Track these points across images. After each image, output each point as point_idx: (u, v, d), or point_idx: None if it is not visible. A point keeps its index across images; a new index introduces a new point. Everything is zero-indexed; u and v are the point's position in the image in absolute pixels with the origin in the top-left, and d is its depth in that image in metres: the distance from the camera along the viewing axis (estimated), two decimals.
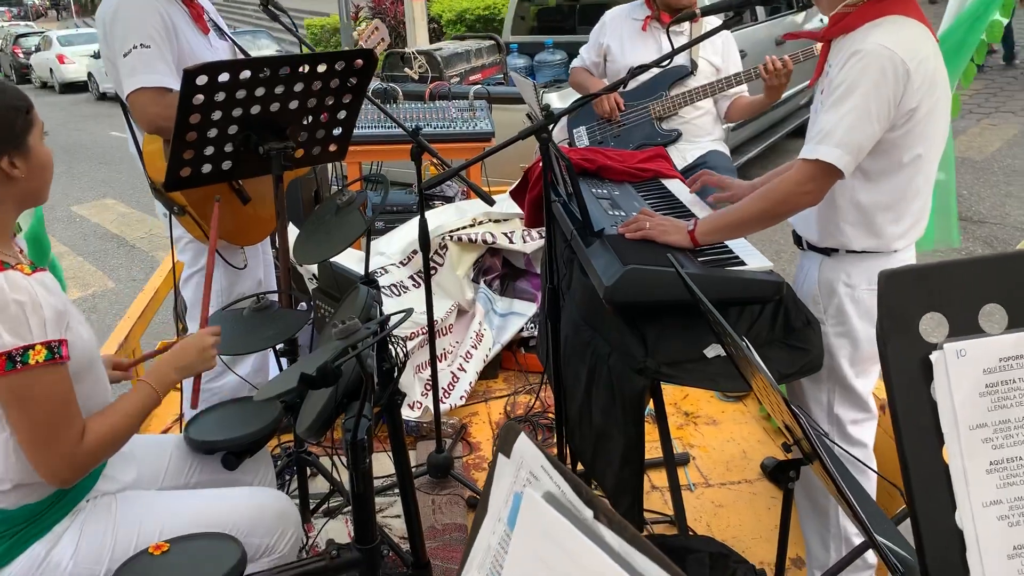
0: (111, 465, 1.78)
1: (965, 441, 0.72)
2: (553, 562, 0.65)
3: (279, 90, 2.17)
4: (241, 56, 2.69)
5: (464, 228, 3.52)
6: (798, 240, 2.07)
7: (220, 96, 2.07)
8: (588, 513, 0.64)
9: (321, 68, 2.21)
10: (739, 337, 1.36)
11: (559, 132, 3.58)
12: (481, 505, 0.75)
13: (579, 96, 2.78)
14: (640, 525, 2.19)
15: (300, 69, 2.17)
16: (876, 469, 1.99)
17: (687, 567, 2.32)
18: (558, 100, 4.91)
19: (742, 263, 1.99)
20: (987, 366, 0.72)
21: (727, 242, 2.09)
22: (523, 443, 0.72)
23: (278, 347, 2.39)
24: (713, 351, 1.97)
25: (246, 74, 2.08)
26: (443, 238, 3.49)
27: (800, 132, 7.27)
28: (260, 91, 2.14)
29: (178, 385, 2.59)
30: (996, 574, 0.70)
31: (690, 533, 2.60)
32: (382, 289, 3.34)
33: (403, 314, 1.47)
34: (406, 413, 3.15)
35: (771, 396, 1.32)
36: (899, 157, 1.81)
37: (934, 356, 0.72)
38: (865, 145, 1.76)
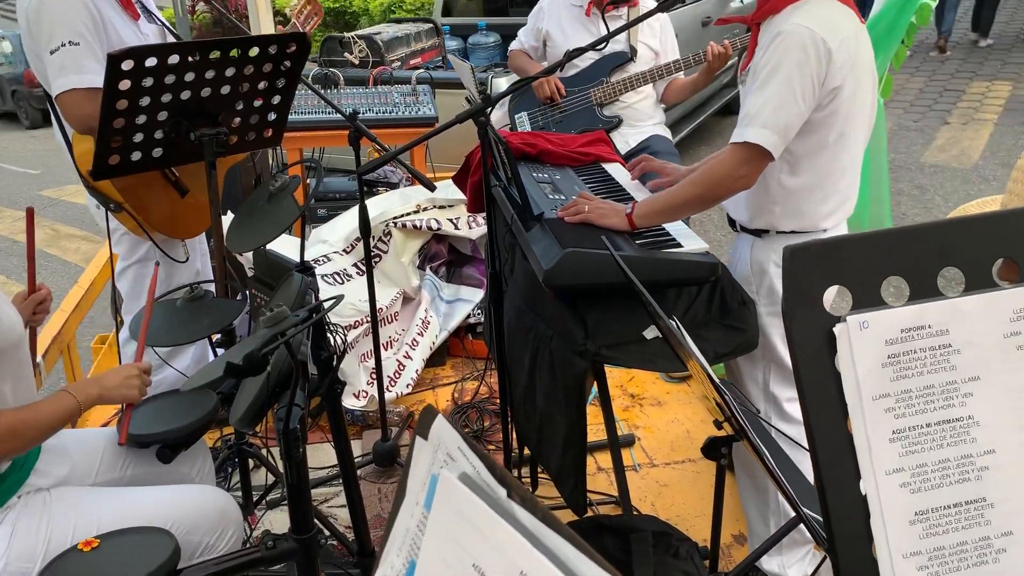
0: (44, 459, 1.74)
1: (868, 411, 0.73)
2: (467, 542, 0.65)
3: (210, 75, 2.13)
4: (172, 39, 2.62)
5: (408, 214, 3.50)
6: (732, 222, 2.10)
7: (148, 81, 2.02)
8: (502, 492, 0.64)
9: (253, 52, 2.17)
10: (668, 317, 1.38)
11: (502, 118, 3.58)
12: (399, 489, 0.75)
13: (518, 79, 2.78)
14: (584, 506, 2.21)
15: (231, 53, 2.13)
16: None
17: (631, 546, 2.35)
18: (507, 84, 4.88)
19: (679, 245, 2.01)
20: (889, 337, 0.74)
21: (664, 225, 2.11)
22: (440, 425, 0.71)
23: (216, 338, 2.36)
24: (652, 332, 1.99)
25: (175, 58, 2.03)
26: (387, 225, 3.47)
27: (726, 111, 7.35)
28: (190, 76, 2.09)
29: None
30: (898, 539, 0.72)
31: (634, 513, 2.64)
32: (325, 277, 3.31)
33: (333, 300, 1.45)
34: (352, 402, 3.13)
35: (701, 374, 1.34)
36: (825, 137, 1.84)
37: (837, 328, 0.74)
38: (792, 125, 1.79)
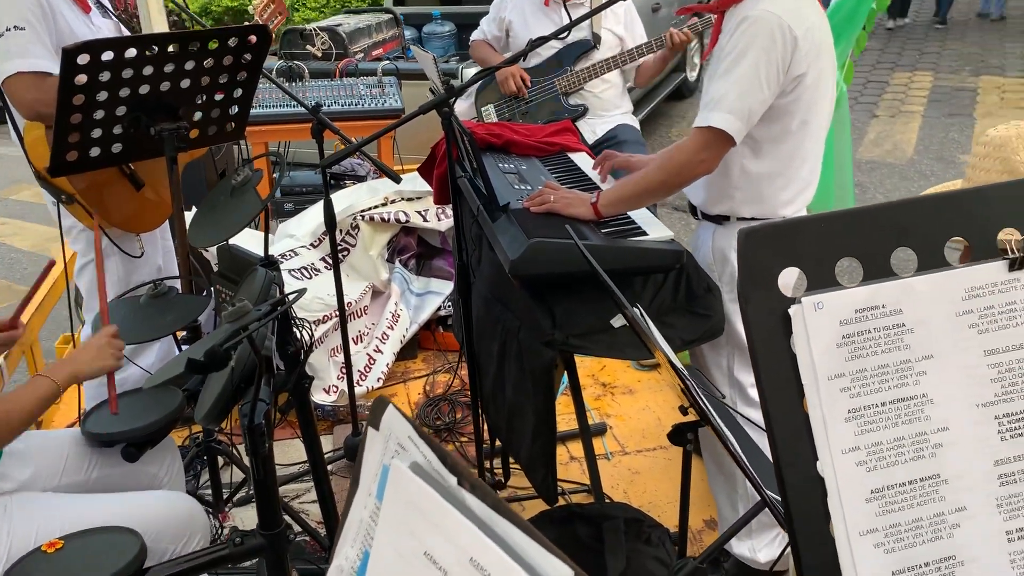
0: (5, 463, 1.71)
1: (824, 391, 0.74)
2: (419, 531, 0.64)
3: (169, 68, 2.09)
4: (127, 34, 2.58)
5: (376, 207, 3.48)
6: (693, 210, 2.11)
7: (105, 76, 1.99)
8: (452, 480, 0.64)
9: (213, 45, 2.14)
10: (630, 305, 1.38)
11: (469, 110, 3.56)
12: (353, 480, 0.74)
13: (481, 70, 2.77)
14: (555, 496, 2.21)
15: (190, 47, 2.10)
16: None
17: (603, 533, 2.36)
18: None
19: (644, 233, 2.01)
20: (843, 318, 0.74)
21: (629, 213, 2.11)
22: (391, 415, 0.71)
23: (182, 335, 2.33)
24: (619, 321, 1.99)
25: (132, 52, 2.00)
26: (354, 218, 3.44)
27: (677, 95, 7.34)
28: (148, 70, 2.06)
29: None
30: (855, 517, 0.73)
31: (607, 501, 2.65)
32: (292, 272, 3.28)
33: (295, 294, 1.44)
34: (322, 398, 3.11)
35: (664, 361, 1.34)
36: (788, 124, 1.85)
37: (792, 310, 0.74)
38: (756, 111, 1.80)
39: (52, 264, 1.96)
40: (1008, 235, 0.78)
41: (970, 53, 8.84)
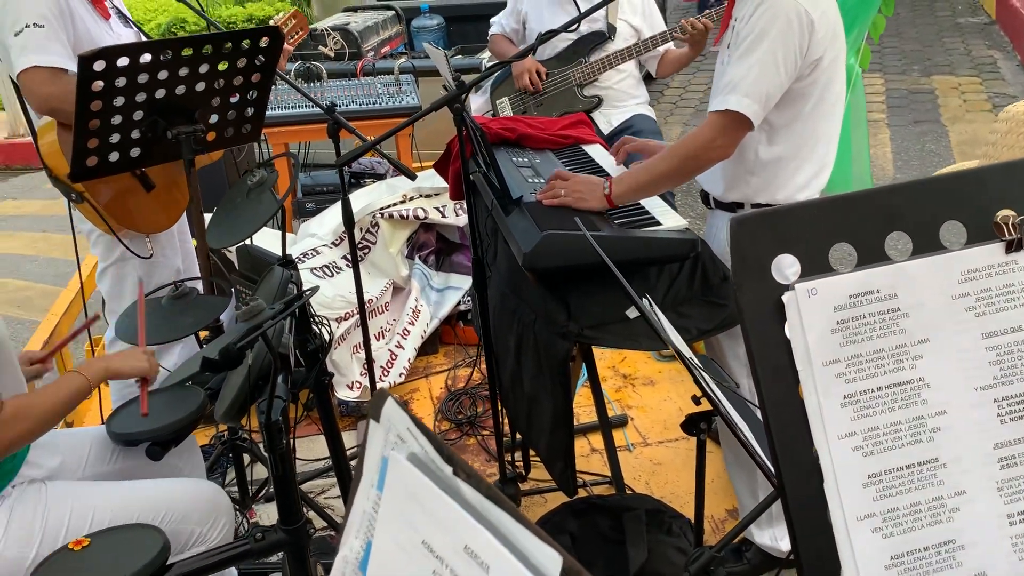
0: (34, 452, 1.77)
1: (819, 377, 0.74)
2: (416, 520, 0.65)
3: (184, 72, 2.12)
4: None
5: (395, 205, 3.50)
6: (705, 199, 2.10)
7: (121, 81, 2.02)
8: (447, 470, 0.65)
9: (226, 48, 2.16)
10: (640, 297, 1.38)
11: (485, 104, 3.57)
12: (356, 472, 0.76)
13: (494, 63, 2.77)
14: (575, 487, 2.22)
15: (204, 50, 2.13)
16: None
17: (624, 524, 2.37)
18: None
19: (657, 223, 2.01)
20: (838, 303, 0.75)
21: (642, 203, 2.11)
22: (390, 407, 0.72)
23: (205, 335, 2.36)
24: (634, 312, 2.00)
25: (147, 57, 2.03)
26: (374, 216, 3.46)
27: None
28: (163, 74, 2.09)
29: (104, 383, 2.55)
30: (852, 502, 0.73)
31: (628, 492, 2.65)
32: (315, 271, 3.31)
33: (308, 292, 1.46)
34: (345, 394, 3.14)
35: (675, 352, 1.35)
36: (802, 107, 1.85)
37: (786, 296, 0.74)
38: (773, 95, 1.79)
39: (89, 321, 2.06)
40: (1005, 216, 0.77)
41: (912, 51, 8.36)
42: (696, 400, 1.48)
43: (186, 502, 1.79)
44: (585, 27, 3.27)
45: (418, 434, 0.69)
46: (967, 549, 0.74)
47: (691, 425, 1.49)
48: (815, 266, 0.75)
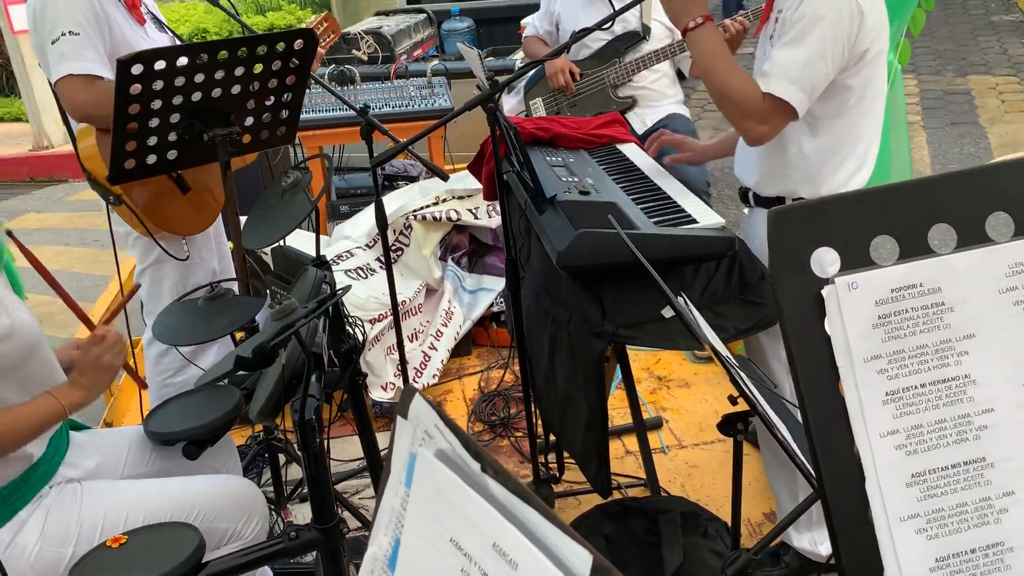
0: (72, 453, 1.79)
1: (860, 373, 0.72)
2: (444, 517, 0.65)
3: (219, 75, 2.14)
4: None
5: (428, 207, 3.50)
6: (744, 197, 2.07)
7: (158, 85, 2.04)
8: (475, 466, 0.64)
9: (261, 50, 2.18)
10: (675, 296, 1.36)
11: (519, 104, 3.56)
12: (385, 470, 0.75)
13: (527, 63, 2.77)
14: (609, 489, 2.20)
15: (239, 53, 2.14)
16: None
17: (660, 527, 2.34)
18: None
19: (694, 221, 1.99)
20: (879, 297, 0.72)
21: (679, 201, 2.09)
22: (418, 403, 0.71)
23: (241, 336, 2.38)
24: (670, 311, 1.97)
25: (183, 60, 2.05)
26: (407, 218, 3.47)
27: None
28: (199, 77, 2.11)
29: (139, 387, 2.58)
30: (895, 502, 0.71)
31: (663, 494, 2.62)
32: (349, 273, 3.33)
33: (340, 292, 1.46)
34: (379, 395, 3.15)
35: (709, 351, 1.33)
36: (846, 99, 1.82)
37: (826, 291, 0.72)
38: (819, 86, 1.76)
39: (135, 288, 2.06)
40: None
41: (946, 51, 8.14)
42: (733, 400, 1.46)
43: (220, 499, 1.80)
44: (619, 27, 3.26)
45: (446, 430, 0.68)
46: (1016, 552, 0.71)
47: (727, 425, 1.47)
48: (855, 259, 0.73)
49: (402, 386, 3.01)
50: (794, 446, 1.27)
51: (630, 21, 3.26)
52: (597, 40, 3.25)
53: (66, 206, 6.57)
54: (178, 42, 2.67)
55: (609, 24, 2.13)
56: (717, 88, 1.85)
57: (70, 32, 2.24)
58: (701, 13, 1.85)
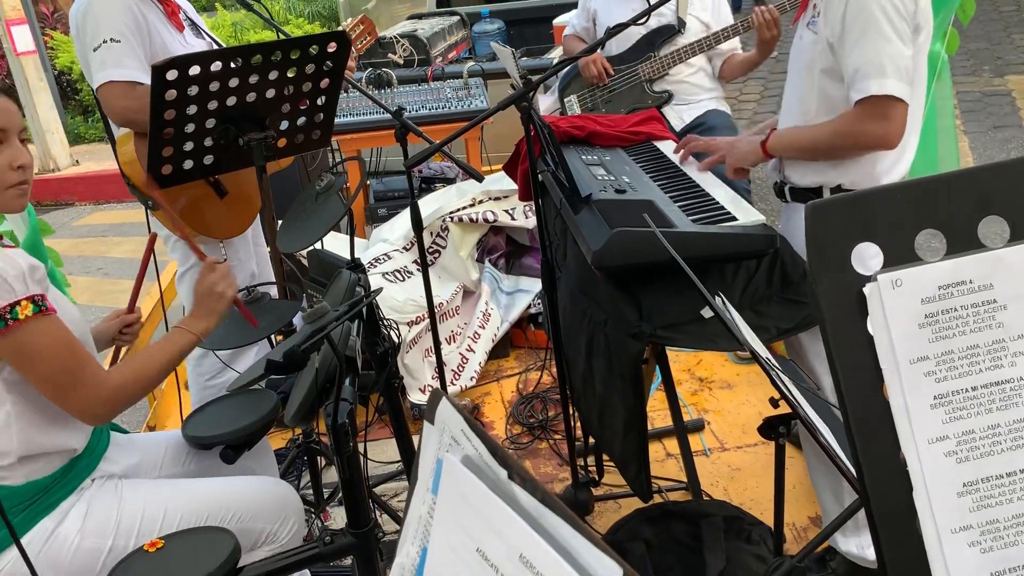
0: (113, 450, 1.82)
1: (906, 376, 0.68)
2: (470, 526, 0.62)
3: (254, 79, 2.15)
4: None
5: (464, 208, 3.49)
6: (780, 192, 2.03)
7: (193, 90, 2.06)
8: (503, 474, 0.62)
9: (295, 54, 2.18)
10: (713, 295, 1.32)
11: (554, 103, 3.54)
12: (412, 476, 0.73)
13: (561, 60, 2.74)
14: (649, 492, 2.16)
15: (273, 57, 2.15)
16: None
17: (701, 531, 2.29)
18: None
19: (733, 218, 1.94)
20: (925, 295, 0.68)
21: (717, 197, 2.05)
22: (444, 409, 0.69)
23: (278, 339, 2.39)
24: (710, 312, 1.93)
25: (217, 65, 2.06)
26: (443, 220, 3.47)
27: None
28: (234, 82, 2.12)
29: (181, 389, 2.61)
30: (945, 512, 0.67)
31: (705, 498, 2.58)
32: (386, 275, 3.33)
33: (373, 294, 1.45)
34: (417, 397, 3.15)
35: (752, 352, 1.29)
36: None
37: (868, 289, 0.68)
38: (907, 67, 1.74)
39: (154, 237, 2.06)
40: None
41: (979, 50, 7.83)
42: (774, 403, 1.41)
43: (256, 500, 1.81)
44: (654, 22, 3.21)
45: (472, 436, 0.66)
46: None
47: (769, 429, 1.43)
48: (900, 255, 0.69)
49: (440, 389, 3.00)
50: (838, 450, 1.23)
51: (665, 15, 3.23)
52: (632, 36, 3.22)
53: (71, 231, 6.47)
54: (216, 47, 2.69)
55: (645, 19, 2.10)
56: (824, 150, 1.88)
57: (112, 39, 2.28)
58: (756, 143, 1.98)
